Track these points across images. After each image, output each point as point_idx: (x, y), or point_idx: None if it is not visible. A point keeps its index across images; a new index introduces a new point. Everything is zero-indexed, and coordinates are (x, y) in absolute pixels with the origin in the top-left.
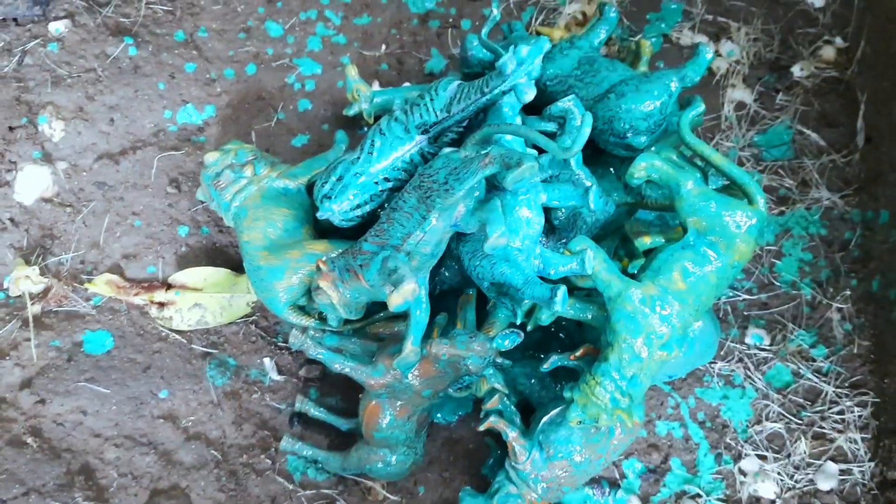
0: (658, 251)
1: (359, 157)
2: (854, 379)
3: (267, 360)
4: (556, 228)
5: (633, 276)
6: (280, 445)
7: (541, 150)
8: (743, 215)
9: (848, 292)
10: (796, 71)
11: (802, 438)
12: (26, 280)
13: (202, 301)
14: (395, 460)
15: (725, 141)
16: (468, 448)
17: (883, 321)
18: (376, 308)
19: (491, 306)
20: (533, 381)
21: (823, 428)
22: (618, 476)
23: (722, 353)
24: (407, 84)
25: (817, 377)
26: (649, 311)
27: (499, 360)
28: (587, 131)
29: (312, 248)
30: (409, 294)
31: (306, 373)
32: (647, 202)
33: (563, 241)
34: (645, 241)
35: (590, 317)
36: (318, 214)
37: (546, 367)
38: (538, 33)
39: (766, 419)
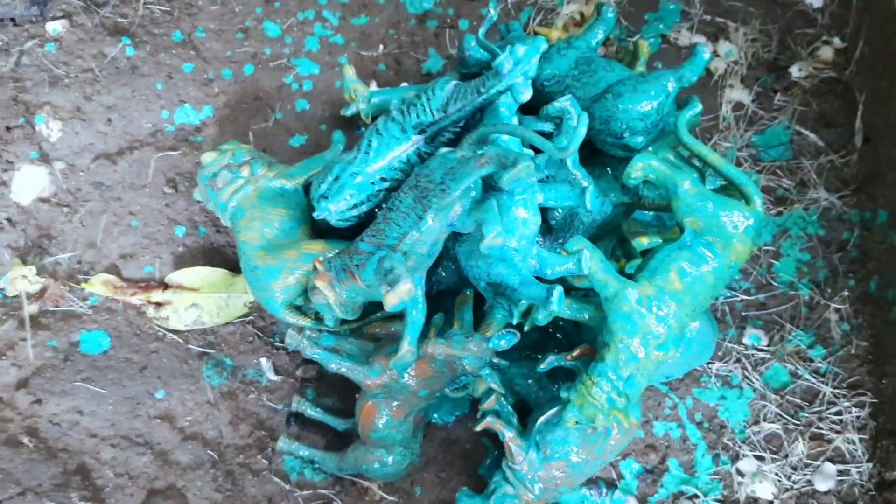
0: (655, 251)
1: (355, 157)
2: (852, 379)
3: (264, 361)
4: (552, 228)
5: (629, 277)
6: (277, 445)
7: (537, 151)
8: (740, 215)
9: (846, 293)
10: (794, 71)
11: (800, 439)
12: (23, 280)
13: (199, 301)
14: (392, 461)
15: (723, 141)
16: (465, 448)
17: (881, 322)
18: (373, 308)
19: (488, 307)
20: (530, 381)
21: (821, 428)
22: (615, 477)
23: (720, 353)
24: (405, 84)
25: (815, 378)
26: (646, 311)
27: (495, 360)
28: (583, 131)
29: (309, 248)
30: (405, 294)
31: (303, 373)
32: (645, 202)
33: (560, 241)
34: (642, 242)
35: (587, 317)
36: (315, 214)
37: (543, 367)
38: (536, 33)
39: (764, 420)
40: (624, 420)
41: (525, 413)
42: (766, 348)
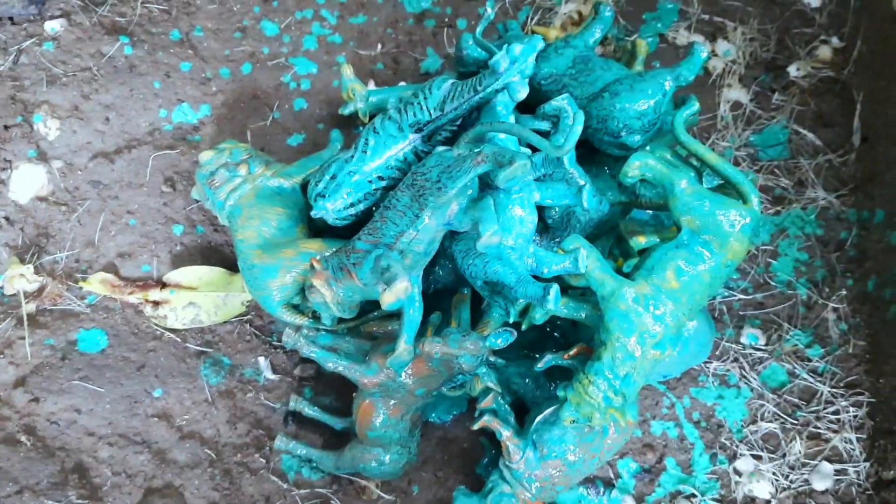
0: (652, 250)
1: (353, 156)
2: (849, 379)
3: (261, 359)
4: (549, 227)
5: (627, 276)
6: (274, 444)
7: (534, 149)
8: (737, 214)
9: (843, 292)
10: (792, 71)
11: (797, 438)
12: (21, 278)
13: (197, 300)
14: (389, 459)
15: (721, 140)
16: (462, 447)
17: (878, 321)
18: (370, 307)
19: (486, 305)
20: (527, 380)
21: (819, 428)
22: (612, 476)
23: (717, 352)
24: (402, 83)
25: (812, 377)
26: (643, 309)
27: (492, 358)
28: (579, 129)
29: (306, 247)
30: (401, 292)
31: (301, 372)
32: (642, 201)
33: (557, 239)
34: (640, 241)
35: (583, 316)
36: (313, 213)
37: (540, 366)
38: (534, 32)
39: (762, 419)
40: (620, 419)
41: (522, 412)
42: (763, 348)
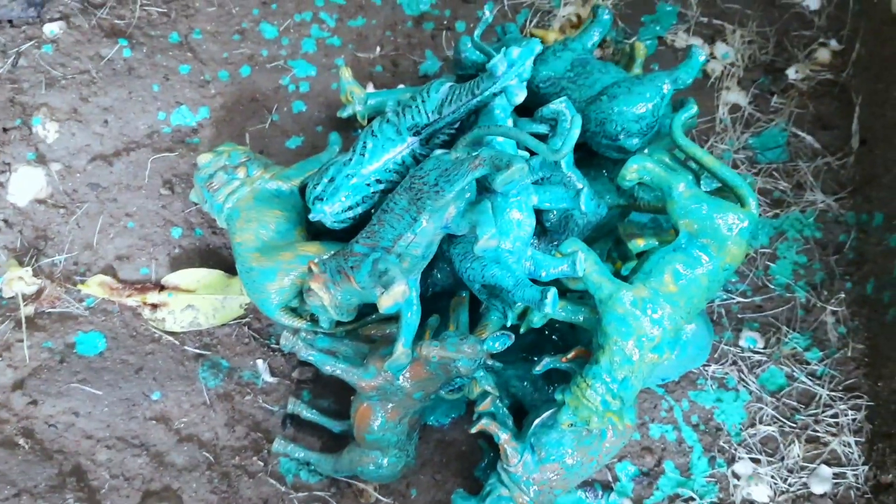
0: (649, 253)
1: (350, 159)
2: (848, 382)
3: (260, 362)
4: (547, 230)
5: (625, 279)
6: (272, 447)
7: (532, 153)
8: (735, 218)
9: (842, 295)
10: (791, 73)
11: (796, 442)
12: (19, 281)
13: (195, 303)
14: (387, 462)
15: (720, 143)
16: (461, 450)
17: (877, 324)
18: (368, 310)
19: (484, 309)
20: (526, 383)
21: (817, 431)
22: (611, 479)
23: (716, 355)
24: (401, 86)
25: (811, 380)
26: (640, 313)
27: (490, 362)
28: (576, 133)
29: (304, 250)
30: (399, 296)
31: (299, 375)
32: (640, 204)
33: (555, 243)
34: (638, 244)
35: (581, 319)
36: (311, 216)
37: (539, 369)
38: (532, 35)
39: (760, 422)
40: (618, 422)
41: (521, 415)
42: (762, 351)
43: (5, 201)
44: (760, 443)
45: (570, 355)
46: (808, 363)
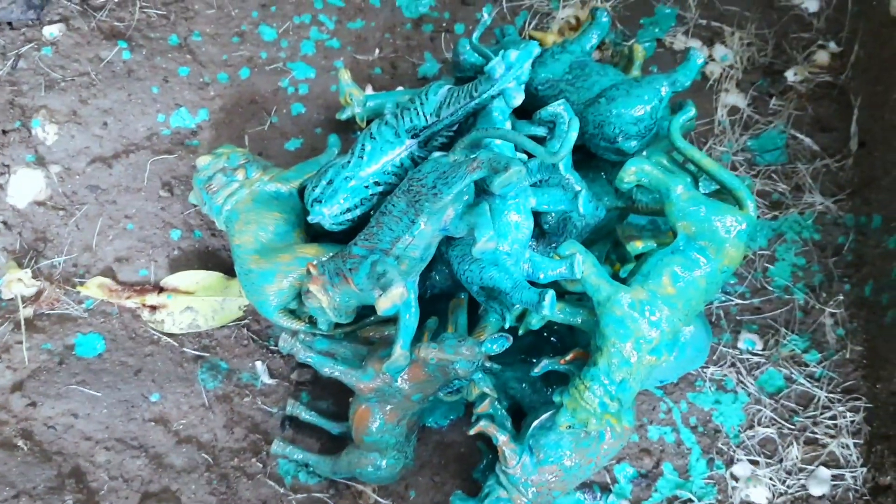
0: (648, 255)
1: (349, 161)
2: (846, 384)
3: (258, 364)
4: (545, 232)
5: (623, 281)
6: (271, 449)
7: (530, 155)
8: (733, 220)
9: (841, 297)
10: (790, 75)
11: (794, 443)
12: (19, 283)
13: (194, 304)
14: (386, 464)
15: (719, 145)
16: (459, 452)
17: (875, 326)
18: (367, 312)
19: (482, 311)
20: (524, 385)
21: (816, 433)
22: (609, 481)
23: (714, 357)
24: (400, 88)
25: (810, 382)
26: (638, 315)
27: (488, 364)
28: (574, 136)
29: (303, 252)
30: (397, 298)
31: (298, 376)
32: (638, 206)
33: (553, 245)
34: (636, 246)
35: (580, 321)
36: (309, 218)
37: (537, 371)
38: (531, 38)
39: (759, 424)
40: (616, 424)
41: (519, 417)
42: (760, 353)
43: (5, 203)
44: (759, 444)
45: (568, 357)
46: (807, 365)
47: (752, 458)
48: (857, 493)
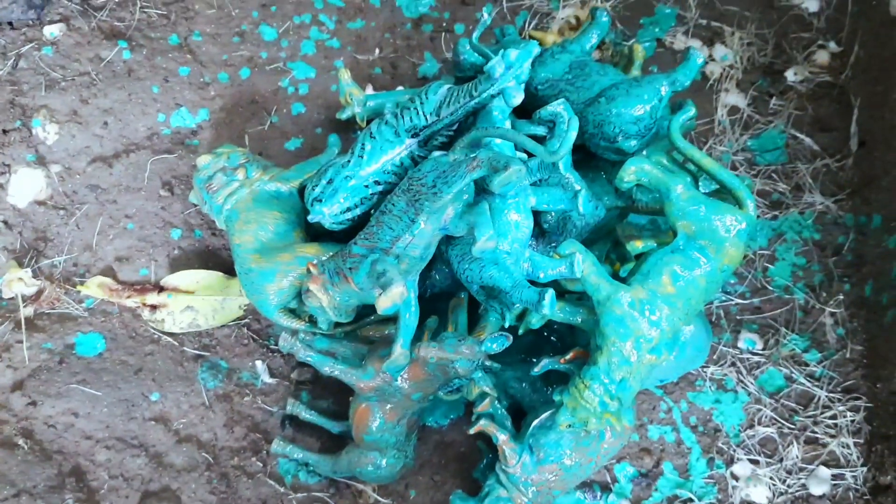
0: (648, 255)
1: (349, 161)
2: (847, 383)
3: (259, 363)
4: (545, 232)
5: (623, 280)
6: (271, 448)
7: (530, 154)
8: (732, 219)
9: (841, 297)
10: (790, 75)
11: (795, 443)
12: (19, 282)
13: (194, 304)
14: (386, 463)
15: (719, 145)
16: (459, 451)
17: (875, 326)
18: (367, 311)
19: (482, 310)
20: (524, 384)
21: (816, 433)
22: (609, 480)
23: (714, 357)
24: (400, 88)
25: (810, 382)
26: (638, 314)
27: (488, 363)
28: (573, 135)
29: (303, 251)
30: (397, 297)
31: (298, 376)
32: (638, 206)
33: (553, 244)
34: (636, 245)
35: (580, 320)
36: (309, 217)
37: (537, 370)
38: (531, 38)
39: (759, 424)
40: (616, 423)
41: (519, 416)
42: (760, 352)
43: (5, 203)
44: (759, 444)
45: (568, 356)
46: (807, 364)
47: (752, 457)
48: (858, 492)
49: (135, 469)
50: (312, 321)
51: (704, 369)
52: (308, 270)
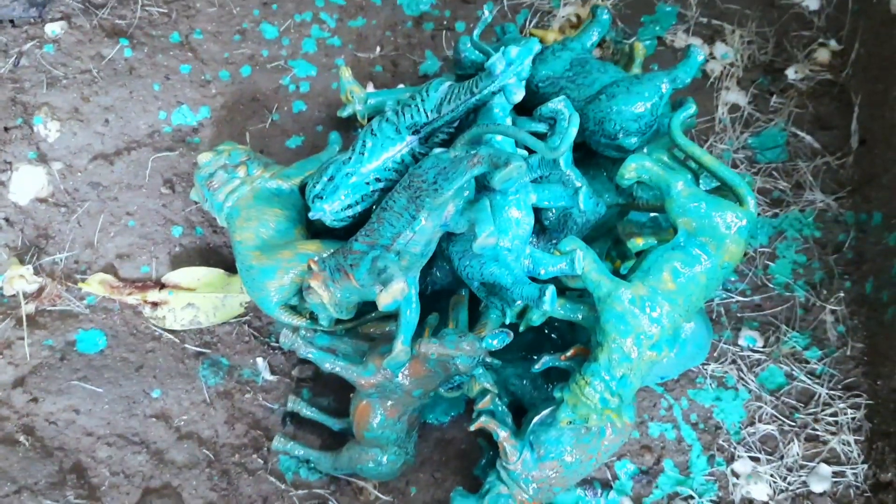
0: (648, 252)
1: (350, 158)
2: (847, 381)
3: (260, 360)
4: (546, 229)
5: (623, 277)
6: (272, 445)
7: (531, 151)
8: (733, 216)
9: (841, 294)
10: (790, 73)
11: (795, 440)
12: (20, 279)
13: (195, 301)
14: (386, 460)
15: (719, 143)
16: (460, 448)
17: (876, 323)
18: (368, 308)
19: (483, 307)
20: (525, 381)
21: (816, 430)
22: (610, 477)
23: (715, 354)
24: (401, 86)
25: (810, 379)
26: (639, 311)
27: (488, 359)
28: (574, 131)
29: (304, 249)
30: (398, 293)
31: (299, 373)
32: (639, 203)
33: (554, 241)
34: (637, 243)
35: (580, 317)
36: (310, 215)
37: (538, 367)
38: (532, 35)
39: (759, 421)
40: (617, 420)
41: (520, 413)
42: (761, 350)
43: (6, 200)
44: (760, 441)
45: (569, 353)
46: (808, 362)
47: (752, 454)
48: (858, 489)
49: (136, 466)
50: (313, 318)
51: (705, 366)
52: (309, 267)
